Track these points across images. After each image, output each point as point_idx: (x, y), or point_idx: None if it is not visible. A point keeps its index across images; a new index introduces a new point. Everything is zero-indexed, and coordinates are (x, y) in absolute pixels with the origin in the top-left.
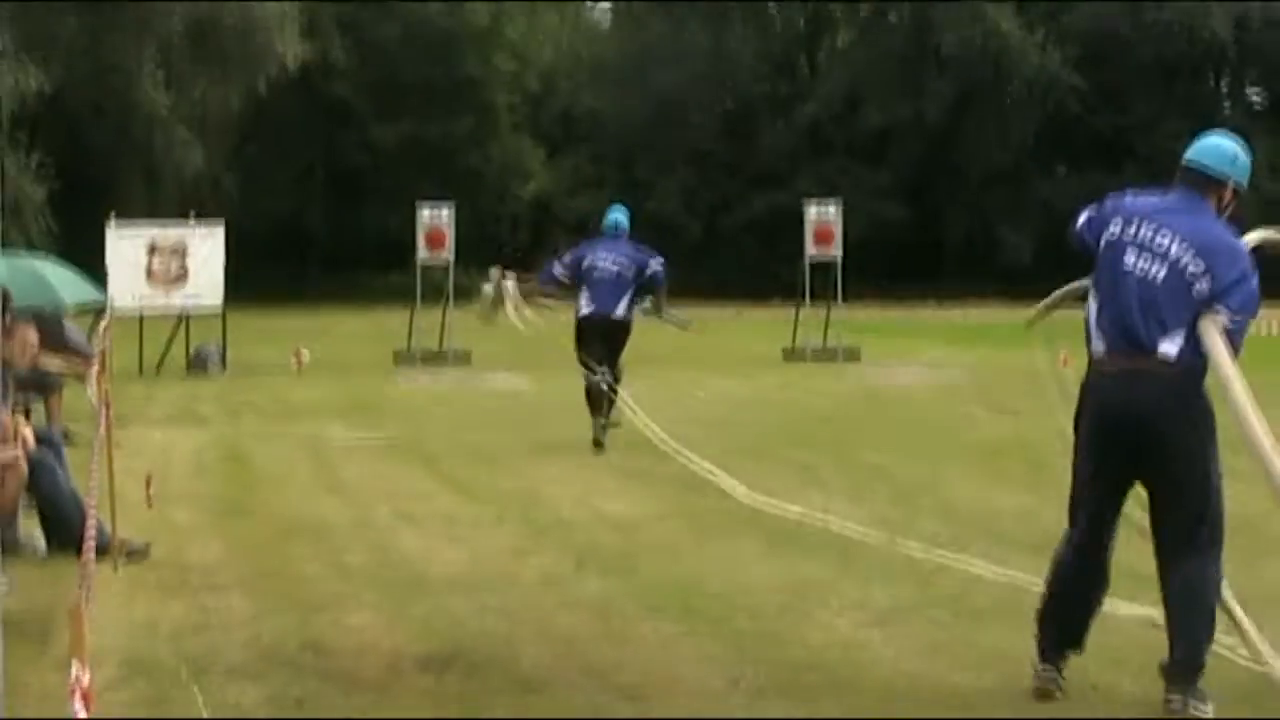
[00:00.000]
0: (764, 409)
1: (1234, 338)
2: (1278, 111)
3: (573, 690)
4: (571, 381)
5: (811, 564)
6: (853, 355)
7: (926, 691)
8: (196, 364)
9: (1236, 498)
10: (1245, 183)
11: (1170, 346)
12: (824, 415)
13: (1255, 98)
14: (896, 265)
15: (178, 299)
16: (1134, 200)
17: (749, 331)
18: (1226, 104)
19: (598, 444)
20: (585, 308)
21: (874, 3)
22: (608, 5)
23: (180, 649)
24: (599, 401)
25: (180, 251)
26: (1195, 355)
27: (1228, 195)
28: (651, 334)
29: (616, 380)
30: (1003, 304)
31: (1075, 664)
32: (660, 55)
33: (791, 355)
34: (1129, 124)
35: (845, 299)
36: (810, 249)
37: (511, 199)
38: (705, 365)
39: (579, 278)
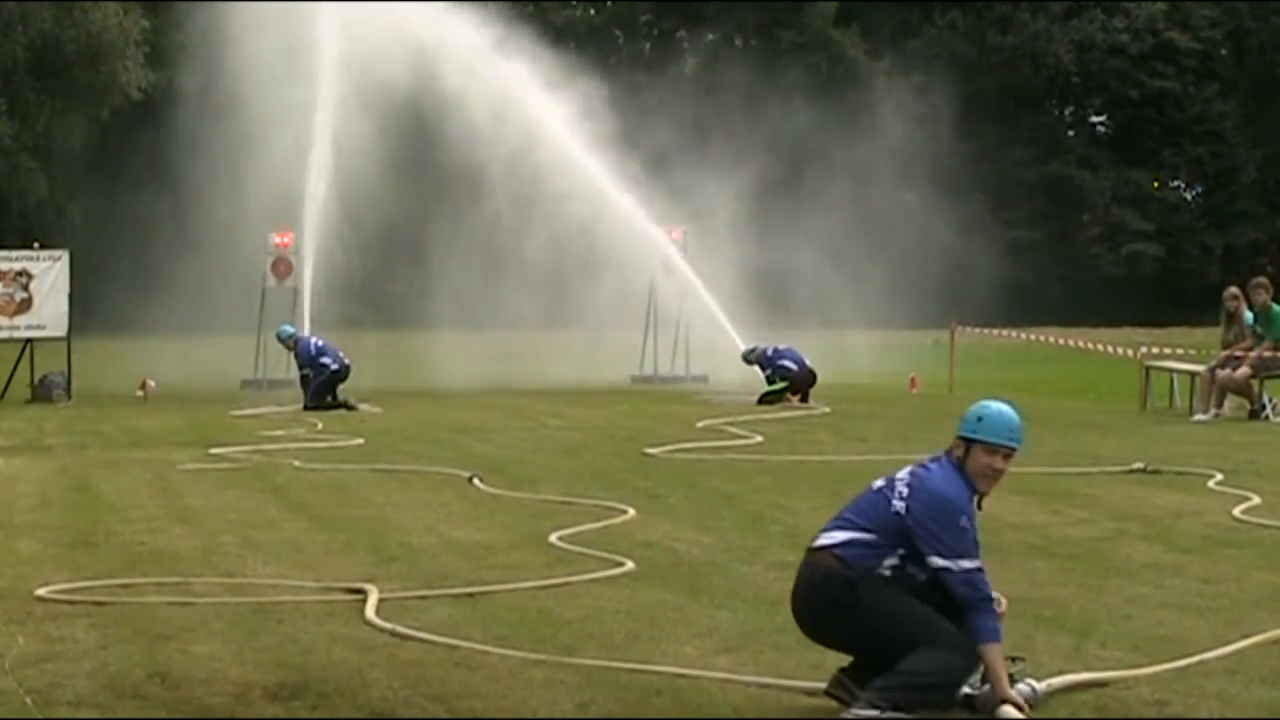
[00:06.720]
0: (613, 436)
1: None
2: (1121, 139)
3: (422, 718)
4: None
5: (660, 591)
6: (701, 382)
7: (774, 715)
8: (41, 393)
9: (1080, 525)
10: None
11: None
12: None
13: (1099, 126)
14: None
15: (22, 327)
16: None
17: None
18: (1071, 132)
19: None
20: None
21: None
22: None
23: (25, 680)
24: None
25: (24, 280)
26: None
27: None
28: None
29: None
30: (856, 332)
31: None
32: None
33: (639, 380)
34: (975, 151)
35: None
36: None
37: None
38: (558, 394)
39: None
